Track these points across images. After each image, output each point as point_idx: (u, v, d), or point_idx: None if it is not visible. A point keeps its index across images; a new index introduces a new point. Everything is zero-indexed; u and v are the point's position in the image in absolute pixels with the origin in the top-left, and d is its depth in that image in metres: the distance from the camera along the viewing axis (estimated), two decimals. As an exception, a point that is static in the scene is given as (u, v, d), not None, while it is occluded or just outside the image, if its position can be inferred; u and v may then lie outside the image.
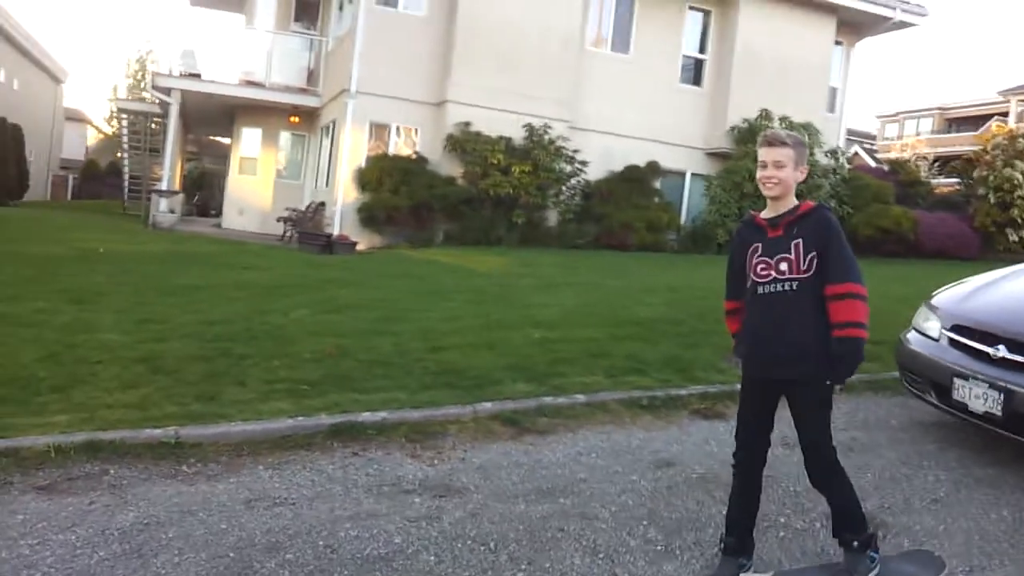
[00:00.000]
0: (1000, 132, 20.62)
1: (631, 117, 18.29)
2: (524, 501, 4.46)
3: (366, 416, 5.47)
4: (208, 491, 4.37)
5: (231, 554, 3.69)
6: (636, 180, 17.87)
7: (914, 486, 4.87)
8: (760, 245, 3.51)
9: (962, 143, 43.26)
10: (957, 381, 5.11)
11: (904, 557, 3.84)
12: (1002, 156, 18.38)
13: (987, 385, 4.91)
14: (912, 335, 5.78)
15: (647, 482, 4.77)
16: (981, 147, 20.62)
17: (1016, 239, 18.08)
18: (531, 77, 17.10)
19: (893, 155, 31.94)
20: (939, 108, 55.04)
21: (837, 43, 20.50)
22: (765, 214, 3.56)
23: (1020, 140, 18.33)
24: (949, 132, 51.54)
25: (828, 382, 3.45)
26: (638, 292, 10.56)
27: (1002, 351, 4.93)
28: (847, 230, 18.32)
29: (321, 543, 3.84)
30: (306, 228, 15.58)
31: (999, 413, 4.83)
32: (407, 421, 5.53)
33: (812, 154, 17.83)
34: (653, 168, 18.21)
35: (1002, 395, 4.82)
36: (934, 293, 6.01)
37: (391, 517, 4.15)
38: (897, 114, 57.82)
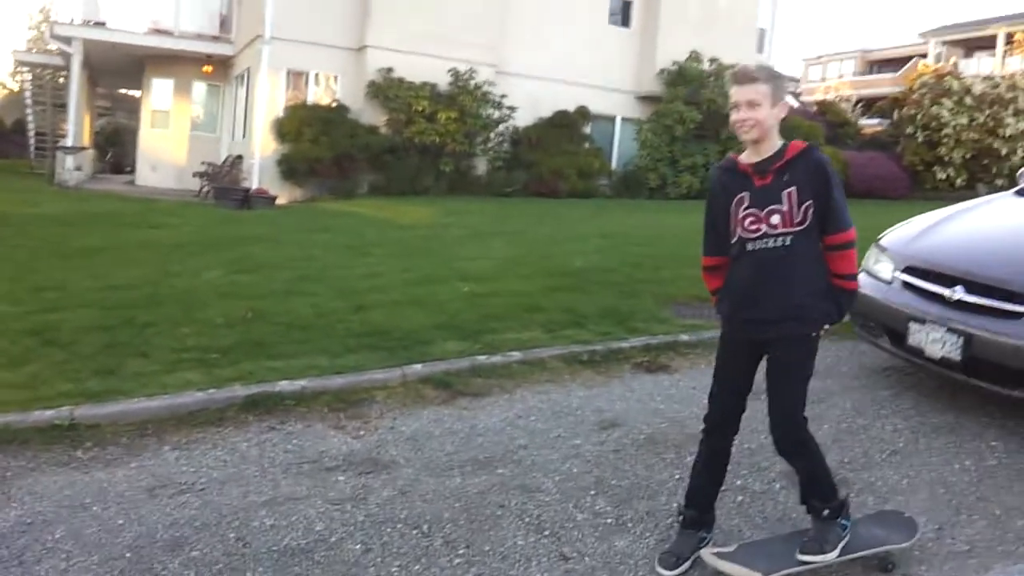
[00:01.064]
0: (927, 71, 20.64)
1: (559, 61, 17.77)
2: (460, 474, 4.07)
3: (284, 385, 5.02)
4: (105, 479, 3.89)
5: (127, 554, 3.24)
6: (565, 126, 17.44)
7: (872, 437, 4.60)
8: (747, 195, 3.10)
9: (884, 84, 43.67)
10: (913, 326, 4.83)
11: (874, 520, 3.55)
12: (929, 95, 18.37)
13: (944, 329, 4.64)
14: (863, 278, 5.47)
15: (592, 446, 4.41)
16: (908, 86, 20.66)
17: (944, 177, 18.17)
18: (455, 20, 16.41)
19: (818, 97, 31.98)
20: (861, 51, 55.49)
21: (765, -18, 20.23)
22: (747, 158, 3.15)
23: (947, 79, 18.33)
24: (871, 74, 52.04)
25: (814, 333, 3.13)
26: (571, 240, 10.18)
27: (959, 292, 4.66)
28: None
29: (232, 535, 3.40)
30: (222, 183, 14.79)
31: (957, 358, 4.57)
32: (329, 389, 5.09)
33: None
34: (582, 113, 17.78)
35: (960, 339, 4.55)
36: (883, 234, 5.73)
37: (312, 500, 3.72)
38: (820, 57, 58.16)
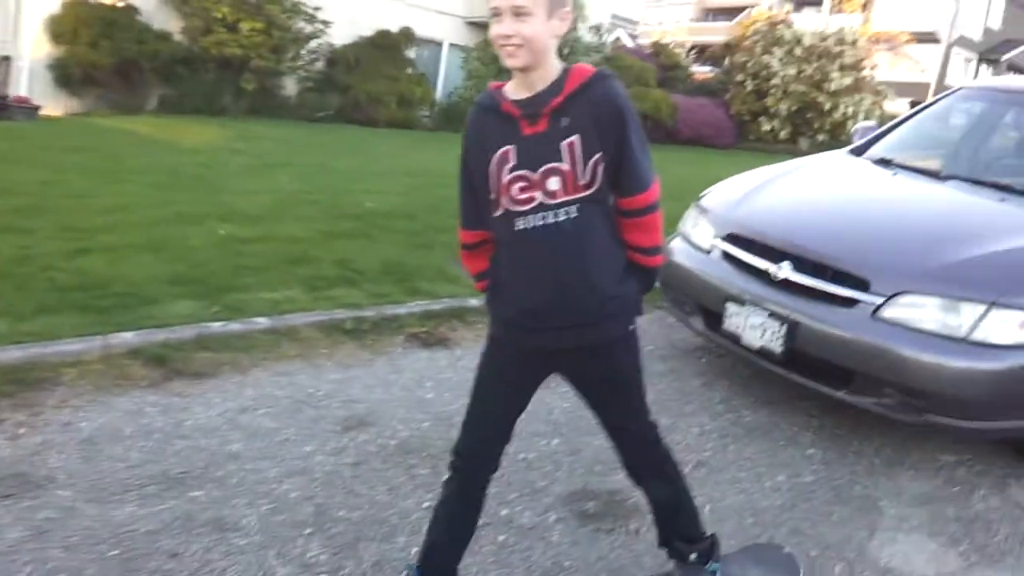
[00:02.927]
0: (760, 18, 20.39)
1: (383, -25, 16.26)
2: (137, 498, 3.00)
3: (-68, 358, 3.75)
4: None
5: None
6: (387, 48, 16.04)
7: (675, 442, 3.77)
8: (512, 150, 2.13)
9: (719, 32, 44.08)
10: (730, 307, 4.05)
11: (746, 557, 2.76)
12: (761, 42, 18.07)
13: (766, 314, 3.87)
14: (677, 244, 4.68)
15: (326, 456, 3.41)
16: (741, 32, 20.39)
17: (768, 128, 18.01)
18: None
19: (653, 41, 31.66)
20: (699, -4, 55.93)
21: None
22: (513, 92, 2.17)
23: (779, 28, 18.06)
24: (707, 21, 52.57)
25: (631, 327, 2.32)
26: (371, 176, 9.01)
27: (786, 269, 3.90)
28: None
29: None
30: (-20, 86, 12.63)
31: (779, 350, 3.83)
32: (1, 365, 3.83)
33: (574, 28, 16.72)
34: (407, 35, 16.41)
35: (784, 327, 3.80)
36: (704, 192, 4.92)
37: None
38: (660, 0, 58.32)
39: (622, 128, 2.09)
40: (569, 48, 16.64)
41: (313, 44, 14.91)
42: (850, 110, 17.78)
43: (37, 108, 12.31)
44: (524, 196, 2.12)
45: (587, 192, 2.10)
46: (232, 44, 13.53)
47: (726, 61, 23.06)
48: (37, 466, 3.13)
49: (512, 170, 2.12)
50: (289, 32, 14.20)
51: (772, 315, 3.85)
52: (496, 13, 2.05)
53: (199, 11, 13.54)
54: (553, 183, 2.09)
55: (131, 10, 13.88)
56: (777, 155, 17.70)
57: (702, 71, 24.43)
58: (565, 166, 2.08)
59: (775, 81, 17.50)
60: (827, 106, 17.41)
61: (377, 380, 4.20)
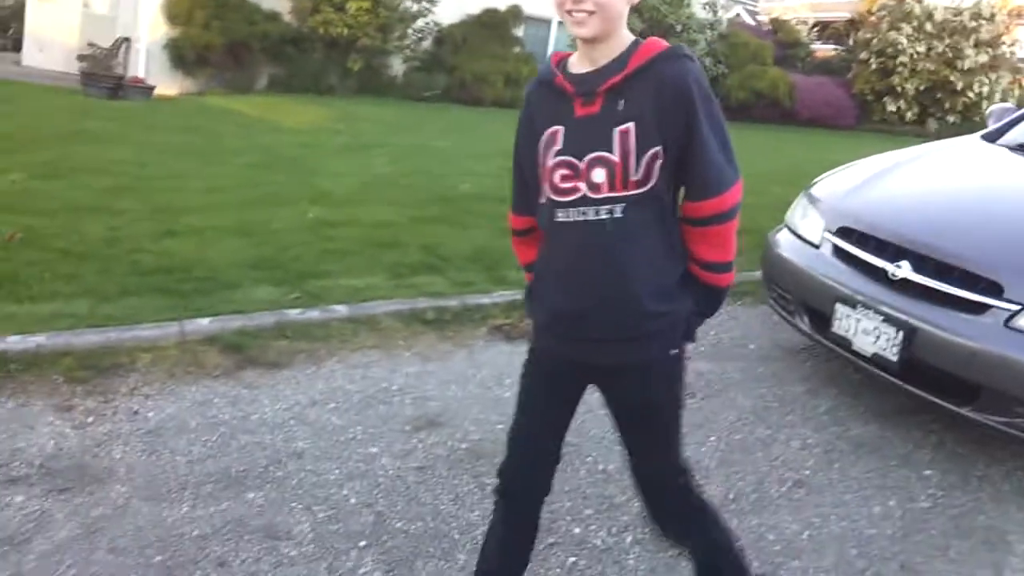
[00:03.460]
0: (889, -8, 19.26)
1: (492, -47, 15.97)
2: (191, 497, 2.87)
3: (13, 342, 3.74)
4: None
5: None
6: (495, 26, 15.80)
7: (772, 457, 3.46)
8: (561, 131, 1.86)
9: (842, 9, 42.23)
10: (840, 308, 3.65)
11: None
12: (888, 18, 17.01)
13: (881, 318, 3.47)
14: (784, 236, 4.29)
15: (391, 459, 3.21)
16: (867, 8, 19.30)
17: (894, 109, 16.97)
18: None
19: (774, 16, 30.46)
20: (823, -30, 53.73)
21: None
22: (575, 65, 1.90)
23: (908, 2, 16.95)
24: (830, -4, 50.46)
25: (673, 351, 1.95)
26: (468, 159, 8.79)
27: (905, 269, 3.49)
28: (719, 94, 16.97)
29: None
30: (98, 69, 12.98)
31: (894, 358, 3.42)
32: (75, 349, 3.82)
33: (688, 4, 16.12)
34: (515, 13, 16.14)
35: (901, 334, 3.39)
36: (816, 180, 4.50)
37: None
38: (781, -25, 56.29)
39: (692, 118, 1.77)
40: (682, 25, 16.06)
41: (419, 23, 14.79)
42: (985, 90, 16.56)
43: (152, 88, 12.60)
44: (567, 186, 1.83)
45: (638, 191, 1.79)
46: (339, 24, 13.53)
47: (850, 39, 21.96)
48: (100, 458, 3.05)
49: (557, 154, 1.84)
50: (396, 11, 14.11)
51: (888, 320, 3.44)
52: None
53: (308, -10, 13.60)
54: (598, 175, 1.79)
55: (242, -10, 14.07)
56: (903, 137, 16.86)
57: (824, 49, 23.35)
58: (614, 157, 1.77)
59: (902, 59, 16.43)
60: (959, 85, 16.24)
61: (454, 375, 3.98)
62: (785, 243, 4.20)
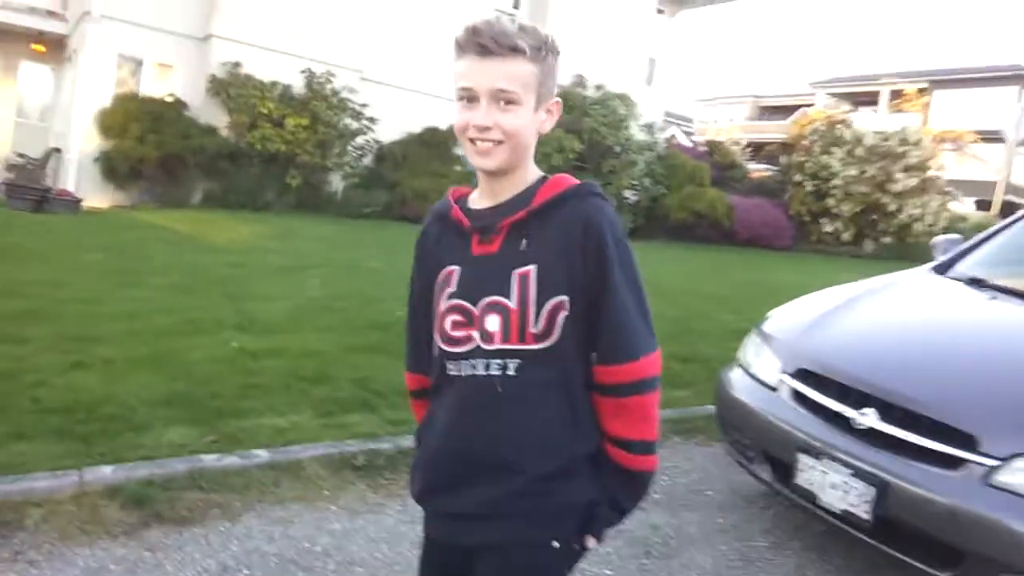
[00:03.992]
0: (819, 117, 19.87)
1: (434, 73, 16.05)
2: None
3: None
4: None
5: None
6: (436, 144, 15.80)
7: (738, 629, 3.10)
8: (456, 271, 1.63)
9: (773, 131, 43.79)
10: (804, 459, 3.38)
11: None
12: (820, 142, 17.50)
13: (850, 471, 3.20)
14: (738, 376, 4.03)
15: (307, 645, 2.77)
16: (798, 132, 19.87)
17: (830, 230, 17.29)
18: (317, 16, 14.64)
19: (709, 138, 31.38)
20: (753, 96, 55.98)
21: (659, 11, 19.16)
22: (475, 199, 1.69)
23: (839, 127, 17.50)
24: (761, 120, 52.45)
25: (555, 543, 1.62)
26: (404, 281, 8.42)
27: (871, 417, 3.24)
28: (659, 214, 17.13)
29: None
30: (26, 180, 12.54)
31: (867, 516, 3.13)
32: None
33: (627, 126, 16.37)
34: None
35: (873, 489, 3.11)
36: (768, 315, 4.30)
37: None
38: (714, 99, 58.49)
39: (604, 266, 1.55)
40: (621, 146, 16.28)
41: (359, 140, 14.73)
42: (917, 211, 17.05)
43: (79, 201, 12.20)
44: (459, 334, 1.60)
45: (538, 345, 1.55)
46: (276, 139, 13.38)
47: (781, 159, 22.57)
48: (-41, 647, 2.57)
49: (450, 297, 1.61)
50: (335, 128, 14.02)
51: (857, 473, 3.17)
52: (470, 96, 1.55)
53: (245, 107, 13.44)
54: (492, 322, 1.56)
55: (180, 105, 13.88)
56: (840, 258, 17.17)
57: (758, 169, 23.96)
58: (511, 303, 1.55)
59: (836, 182, 16.84)
60: (892, 207, 16.68)
61: (385, 532, 3.58)
62: (740, 384, 3.94)
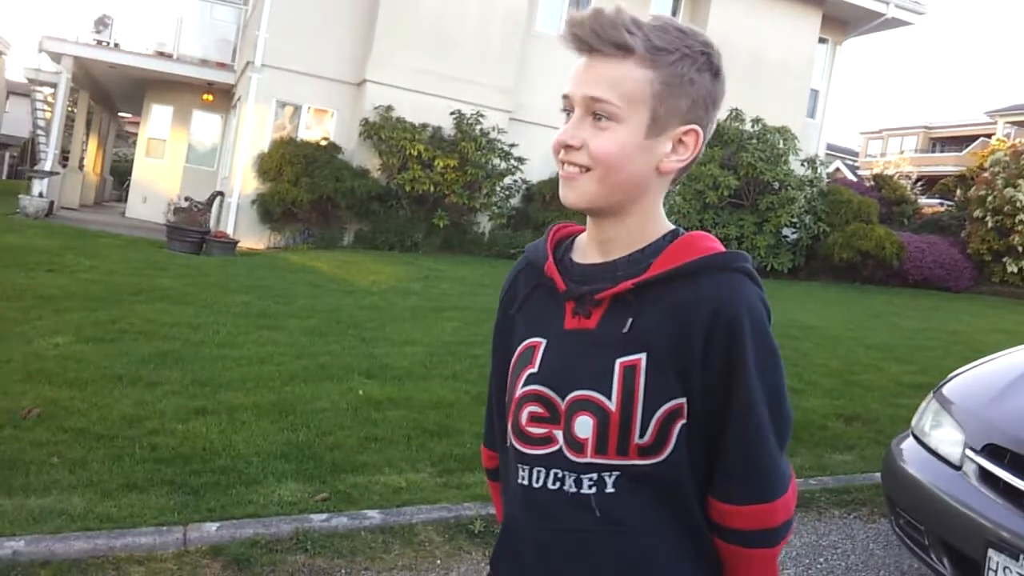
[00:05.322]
0: (1002, 147, 18.32)
1: (583, 111, 15.83)
2: None
3: (-13, 549, 3.18)
4: None
5: None
6: (585, 183, 15.49)
7: None
8: (541, 346, 1.24)
9: (946, 163, 41.46)
10: (995, 557, 2.79)
11: None
12: (1003, 174, 16.06)
13: (1057, 577, 2.59)
14: (912, 449, 3.45)
15: None
16: (978, 164, 18.42)
17: (1015, 270, 15.80)
18: (468, 59, 14.68)
19: (875, 172, 29.77)
20: (924, 127, 53.24)
21: (822, 40, 18.27)
22: (583, 249, 1.28)
23: (1025, 157, 16.06)
24: (933, 152, 49.70)
25: None
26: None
27: (1083, 510, 2.62)
28: (822, 252, 16.14)
29: None
30: (189, 223, 13.04)
31: (1079, 635, 2.52)
32: (57, 557, 3.30)
33: (786, 160, 15.57)
34: (606, 170, 15.85)
35: (1084, 601, 2.50)
36: (949, 377, 3.69)
37: None
38: (881, 131, 56.02)
39: (734, 368, 1.13)
40: (779, 183, 15.49)
41: (507, 180, 14.60)
42: (1116, 249, 15.40)
43: (235, 243, 12.57)
44: (536, 431, 1.20)
45: (645, 461, 1.14)
46: (425, 181, 13.41)
47: (957, 193, 21.03)
48: None
49: (529, 381, 1.21)
50: (482, 169, 13.94)
51: (1064, 579, 2.57)
52: (567, 107, 1.19)
53: (396, 149, 13.56)
54: (583, 427, 1.15)
55: (334, 148, 14.17)
56: (1026, 301, 15.71)
57: (931, 204, 22.44)
58: (610, 404, 1.14)
59: (1022, 216, 15.41)
60: (1087, 244, 15.12)
61: (497, 615, 3.20)
62: (914, 458, 3.37)
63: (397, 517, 3.82)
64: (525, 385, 1.21)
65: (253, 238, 13.90)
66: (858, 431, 5.48)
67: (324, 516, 3.76)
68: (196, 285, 8.65)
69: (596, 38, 1.13)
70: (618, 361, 1.14)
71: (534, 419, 1.20)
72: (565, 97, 1.17)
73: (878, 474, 4.68)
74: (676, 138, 1.17)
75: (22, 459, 3.99)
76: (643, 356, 1.13)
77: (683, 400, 1.13)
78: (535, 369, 1.21)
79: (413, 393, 5.42)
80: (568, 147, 1.15)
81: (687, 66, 1.15)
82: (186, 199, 15.44)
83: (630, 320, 1.15)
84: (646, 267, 1.17)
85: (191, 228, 12.13)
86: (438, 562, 3.56)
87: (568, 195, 1.18)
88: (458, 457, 4.48)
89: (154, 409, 4.78)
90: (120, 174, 31.11)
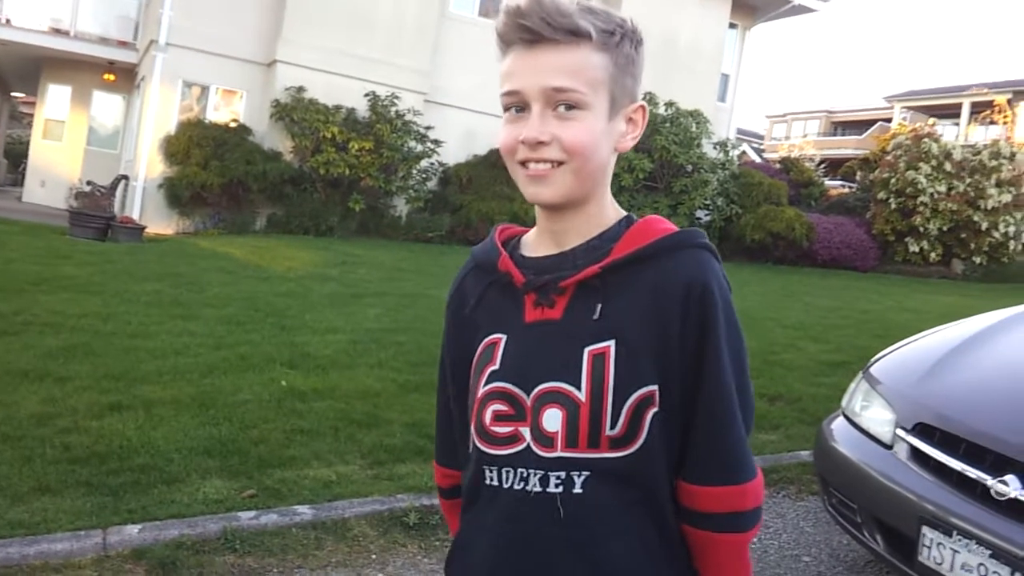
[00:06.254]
0: (903, 130, 18.95)
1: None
2: None
3: None
4: None
5: None
6: (502, 167, 15.29)
7: None
8: (502, 341, 1.18)
9: (847, 146, 42.74)
10: (929, 533, 2.84)
11: None
12: (905, 158, 16.61)
13: (988, 552, 2.65)
14: (843, 429, 3.50)
15: None
16: (880, 147, 19.03)
17: (916, 250, 16.39)
18: (382, 40, 14.43)
19: (782, 155, 30.45)
20: (826, 111, 54.71)
21: (731, 26, 18.57)
22: (531, 244, 1.24)
23: (925, 141, 16.58)
24: (835, 135, 51.16)
25: None
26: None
27: (1014, 485, 2.69)
28: (735, 234, 16.48)
29: None
30: (92, 208, 12.49)
31: (1011, 608, 2.58)
32: None
33: (699, 144, 15.81)
34: (523, 153, 15.81)
35: (1019, 575, 2.57)
36: (877, 357, 3.75)
37: None
38: (785, 115, 57.35)
39: (708, 346, 1.11)
40: (693, 165, 15.72)
41: (424, 163, 14.42)
42: (1011, 229, 16.05)
43: (142, 229, 12.12)
44: (502, 430, 1.16)
45: (616, 453, 1.11)
46: (340, 164, 13.14)
47: (857, 175, 21.69)
48: None
49: (492, 378, 1.16)
50: (398, 152, 13.74)
51: (996, 555, 2.63)
52: (517, 104, 1.13)
53: (309, 131, 13.26)
54: (552, 420, 1.12)
55: (244, 130, 13.79)
56: (928, 279, 16.27)
57: (835, 186, 23.08)
58: (580, 395, 1.10)
59: (923, 199, 15.95)
60: (984, 225, 15.73)
61: (435, 605, 3.15)
62: (845, 438, 3.41)
63: (329, 512, 3.71)
64: (487, 383, 1.17)
65: (161, 223, 13.43)
66: (781, 410, 5.57)
67: (252, 514, 3.62)
68: (103, 273, 8.29)
69: (547, 27, 1.09)
70: (586, 349, 1.11)
71: (498, 417, 1.16)
72: (512, 93, 1.13)
73: (804, 452, 4.79)
74: (627, 116, 1.17)
75: (-81, 464, 3.74)
76: (611, 343, 1.10)
77: (655, 387, 1.10)
78: (496, 366, 1.17)
79: (338, 383, 5.29)
80: (539, 144, 1.10)
81: (628, 45, 1.15)
82: (88, 183, 14.80)
83: (599, 306, 1.12)
84: (606, 253, 1.14)
85: (95, 213, 11.63)
86: (374, 556, 3.47)
87: (542, 192, 1.13)
88: (388, 448, 4.37)
89: (65, 406, 4.54)
90: (14, 157, 29.68)
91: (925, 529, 2.85)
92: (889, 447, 3.19)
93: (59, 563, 3.19)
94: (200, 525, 3.49)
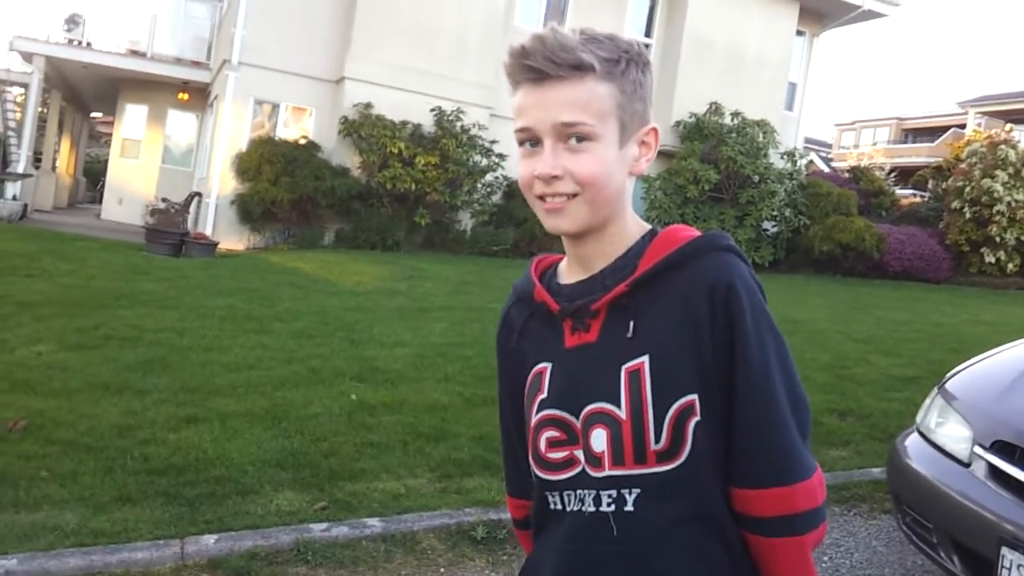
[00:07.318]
0: (978, 138, 18.44)
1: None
2: None
3: (-27, 569, 3.10)
4: None
5: None
6: (567, 179, 15.45)
7: None
8: (547, 370, 1.22)
9: (919, 154, 41.77)
10: (1009, 555, 2.77)
11: None
12: (980, 165, 16.17)
13: (1073, 576, 2.58)
14: (917, 445, 3.44)
15: None
16: (954, 155, 18.55)
17: (992, 260, 15.92)
18: (447, 55, 14.59)
19: (851, 163, 29.87)
20: (896, 118, 53.57)
21: (799, 33, 18.33)
22: (566, 271, 1.28)
23: (1002, 147, 16.12)
24: (905, 143, 50.06)
25: None
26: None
27: (1098, 507, 2.61)
28: (803, 245, 16.24)
29: None
30: (166, 224, 12.86)
31: (1097, 634, 2.51)
32: None
33: (766, 154, 15.62)
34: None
35: (1105, 600, 2.49)
36: (952, 373, 3.67)
37: None
38: (854, 123, 56.34)
39: (737, 344, 1.12)
40: (760, 175, 15.54)
41: (489, 177, 14.52)
42: (1094, 238, 15.55)
43: (215, 244, 12.42)
44: (557, 456, 1.19)
45: (663, 467, 1.12)
46: (407, 179, 13.30)
47: (930, 184, 21.17)
48: None
49: (542, 407, 1.20)
50: (463, 166, 13.86)
51: (1082, 578, 2.55)
52: (530, 138, 1.15)
53: (376, 146, 13.46)
54: (598, 440, 1.14)
55: (313, 147, 14.04)
56: (1006, 291, 15.82)
57: (906, 195, 22.59)
58: (620, 412, 1.13)
59: (1000, 207, 15.51)
60: (1065, 235, 15.27)
61: (505, 622, 3.17)
62: (920, 455, 3.35)
63: (398, 525, 3.76)
64: (539, 411, 1.21)
65: (232, 239, 13.75)
66: (852, 426, 5.47)
67: (324, 525, 3.69)
68: (179, 288, 8.53)
69: (552, 64, 1.11)
70: (623, 367, 1.13)
71: (552, 444, 1.19)
72: (524, 130, 1.16)
73: (876, 470, 4.70)
74: (639, 140, 1.19)
75: (10, 473, 3.89)
76: (645, 359, 1.12)
77: (694, 397, 1.11)
78: (545, 394, 1.21)
79: (407, 396, 5.36)
80: (553, 178, 1.13)
81: (634, 70, 1.17)
82: (163, 200, 15.26)
83: (631, 323, 1.14)
84: (632, 270, 1.16)
85: (170, 230, 11.97)
86: (442, 570, 3.51)
87: (560, 223, 1.16)
88: (456, 461, 4.42)
89: (144, 418, 4.69)
90: (93, 175, 30.72)
91: (1004, 550, 2.79)
92: (966, 465, 3.12)
93: (139, 571, 3.30)
94: (273, 536, 3.57)
